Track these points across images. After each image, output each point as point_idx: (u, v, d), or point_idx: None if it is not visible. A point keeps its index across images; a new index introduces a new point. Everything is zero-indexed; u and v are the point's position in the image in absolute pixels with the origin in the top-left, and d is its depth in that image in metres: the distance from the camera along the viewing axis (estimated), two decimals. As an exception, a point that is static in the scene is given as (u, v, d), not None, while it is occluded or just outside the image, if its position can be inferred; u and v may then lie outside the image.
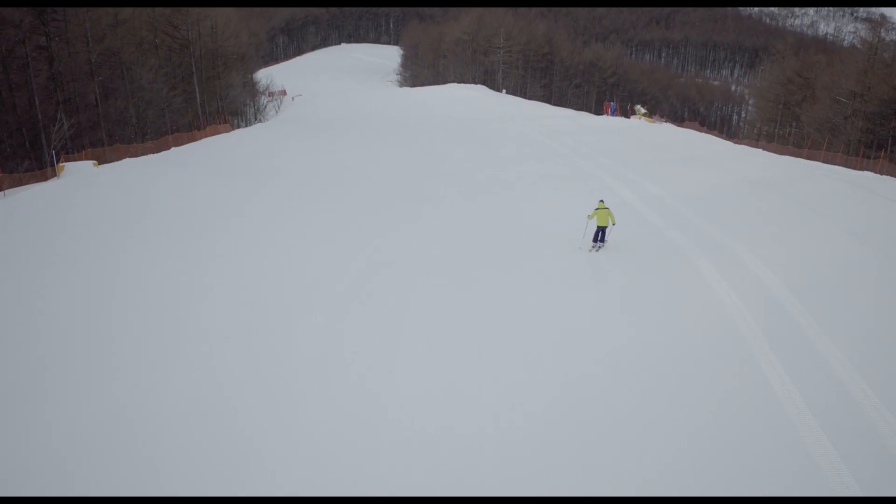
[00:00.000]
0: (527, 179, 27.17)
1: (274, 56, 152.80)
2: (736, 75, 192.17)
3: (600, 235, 18.08)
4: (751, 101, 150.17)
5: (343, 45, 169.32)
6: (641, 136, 40.80)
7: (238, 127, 55.95)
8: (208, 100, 51.38)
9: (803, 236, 19.07)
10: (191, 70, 48.84)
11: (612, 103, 53.91)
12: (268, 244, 18.61)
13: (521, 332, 13.23)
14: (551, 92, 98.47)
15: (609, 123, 49.07)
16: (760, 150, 36.90)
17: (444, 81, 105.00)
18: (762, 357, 11.84)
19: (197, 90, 49.14)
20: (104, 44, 37.62)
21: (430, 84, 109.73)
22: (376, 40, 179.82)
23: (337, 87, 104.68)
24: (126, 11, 42.07)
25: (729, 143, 40.09)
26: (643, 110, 54.19)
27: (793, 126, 50.42)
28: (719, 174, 27.86)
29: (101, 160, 31.15)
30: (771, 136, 53.91)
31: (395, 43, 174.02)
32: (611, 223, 17.94)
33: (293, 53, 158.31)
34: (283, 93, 79.76)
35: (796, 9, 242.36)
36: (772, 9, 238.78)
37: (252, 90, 72.23)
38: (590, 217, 18.13)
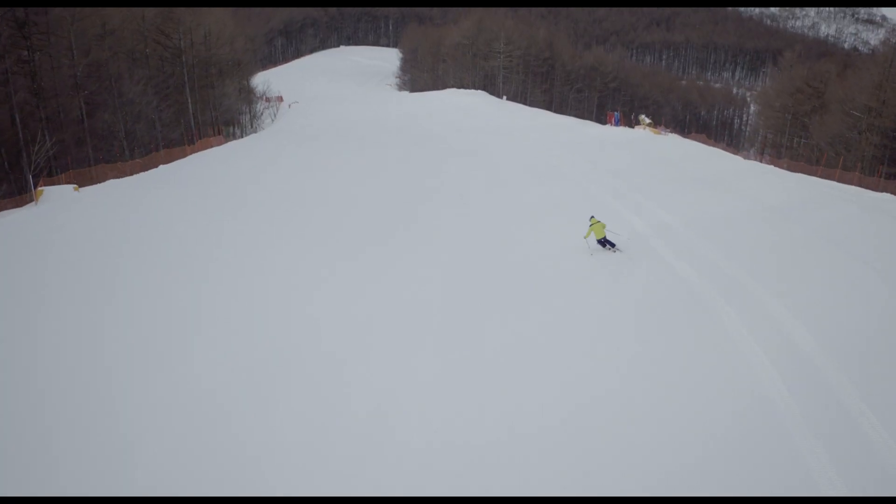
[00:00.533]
0: (530, 205, 25.72)
1: (272, 59, 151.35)
2: (737, 77, 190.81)
3: (609, 243, 19.24)
4: (753, 107, 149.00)
5: (342, 47, 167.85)
6: (648, 150, 39.33)
7: (232, 137, 54.52)
8: (201, 110, 49.92)
9: (828, 276, 17.63)
10: (183, 80, 47.36)
11: (615, 113, 52.38)
12: (242, 298, 16.79)
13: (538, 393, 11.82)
14: (552, 97, 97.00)
15: (613, 135, 47.62)
16: (772, 168, 35.49)
17: (444, 86, 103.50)
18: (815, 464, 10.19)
19: (189, 101, 47.68)
20: (90, 56, 36.16)
21: (429, 89, 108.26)
22: (375, 42, 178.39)
23: (335, 92, 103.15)
24: (115, 20, 40.62)
25: (738, 159, 38.65)
26: (648, 121, 52.67)
27: (801, 137, 48.98)
28: (733, 198, 26.41)
29: (85, 181, 29.72)
30: (778, 146, 52.52)
31: (395, 45, 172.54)
32: (608, 232, 19.38)
33: (292, 56, 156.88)
34: (280, 99, 78.28)
35: (797, 10, 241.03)
36: (773, 11, 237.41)
37: (248, 96, 70.80)
38: (586, 236, 19.37)
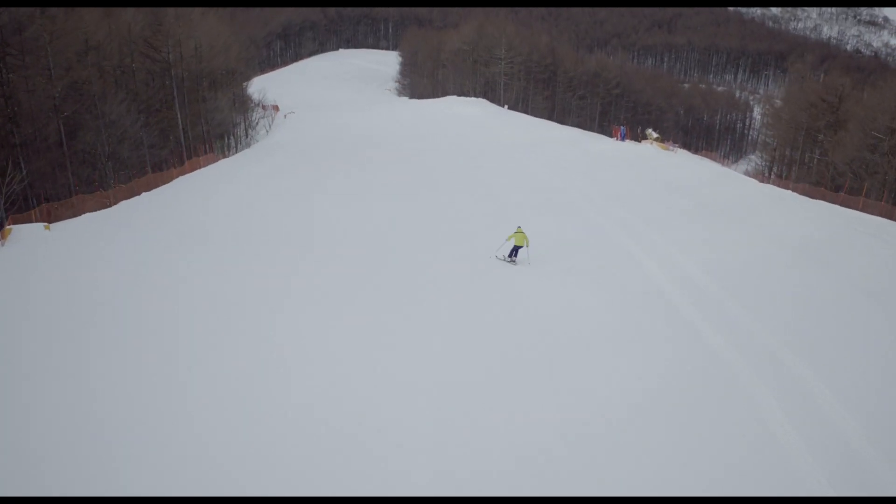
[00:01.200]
0: (534, 246, 23.64)
1: (271, 62, 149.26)
2: (739, 80, 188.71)
3: (515, 253, 21.19)
4: (757, 111, 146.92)
5: (341, 50, 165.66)
6: (658, 171, 37.32)
7: (224, 151, 52.52)
8: (192, 125, 47.86)
9: (873, 347, 15.70)
10: (172, 95, 45.31)
11: (622, 127, 50.32)
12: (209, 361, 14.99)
13: None
14: (554, 104, 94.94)
15: (621, 151, 45.64)
16: (790, 194, 33.48)
17: (444, 92, 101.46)
18: None
19: (179, 117, 45.64)
20: (70, 76, 34.17)
21: (429, 95, 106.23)
22: (375, 45, 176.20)
23: (333, 98, 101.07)
24: (99, 35, 38.62)
25: (754, 183, 36.65)
26: (655, 135, 50.65)
27: (815, 154, 46.98)
28: (754, 235, 24.46)
29: (62, 212, 27.78)
30: (790, 161, 50.52)
31: (394, 48, 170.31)
32: (526, 244, 21.04)
33: (290, 59, 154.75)
34: (276, 108, 76.24)
35: (799, 12, 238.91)
36: (774, 12, 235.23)
37: (243, 106, 68.77)
38: (508, 238, 21.33)
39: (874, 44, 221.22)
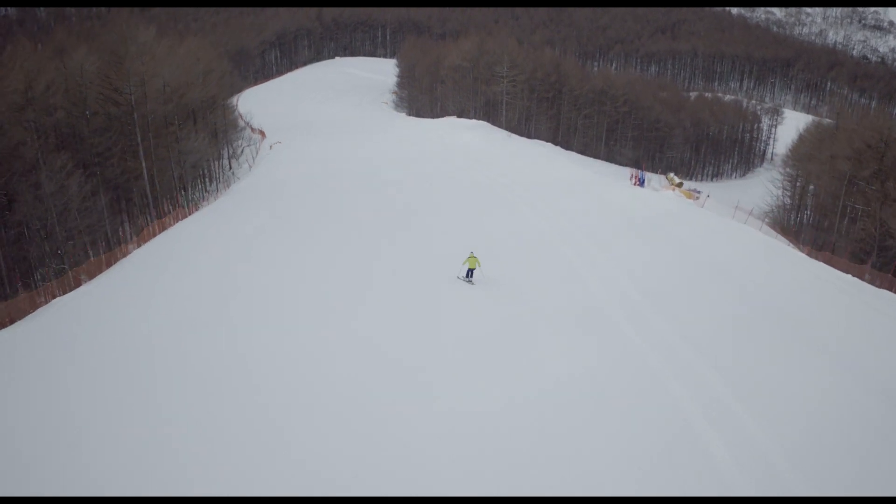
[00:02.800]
0: (551, 389, 18.00)
1: (265, 73, 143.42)
2: (745, 87, 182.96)
3: (470, 274, 24.63)
4: (766, 124, 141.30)
5: (337, 58, 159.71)
6: (689, 245, 31.43)
7: (196, 203, 46.82)
8: (161, 172, 42.18)
9: None
10: (136, 142, 39.66)
11: (641, 172, 44.57)
12: None
13: None
14: (559, 123, 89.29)
15: (642, 204, 39.91)
16: (852, 279, 27.78)
17: (443, 110, 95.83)
18: None
19: (144, 166, 39.99)
20: (4, 137, 28.60)
21: (427, 111, 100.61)
22: (372, 52, 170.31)
23: (327, 114, 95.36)
24: (41, 83, 32.98)
25: (802, 258, 30.91)
26: (678, 180, 44.98)
27: (857, 203, 41.36)
28: (848, 378, 18.73)
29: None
30: (829, 210, 44.91)
31: (392, 55, 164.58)
32: (478, 265, 24.57)
33: (285, 69, 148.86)
34: (262, 134, 70.53)
35: (803, 16, 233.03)
36: (779, 17, 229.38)
37: (226, 135, 63.09)
38: (463, 263, 24.79)
39: (880, 49, 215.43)
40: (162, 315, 21.92)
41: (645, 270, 27.14)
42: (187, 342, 19.71)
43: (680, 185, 44.76)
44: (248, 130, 79.44)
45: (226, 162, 63.60)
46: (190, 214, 41.20)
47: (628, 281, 25.44)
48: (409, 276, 25.94)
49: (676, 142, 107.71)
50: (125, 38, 37.91)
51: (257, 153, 61.09)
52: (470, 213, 37.29)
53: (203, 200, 47.94)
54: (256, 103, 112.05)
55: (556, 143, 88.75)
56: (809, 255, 32.82)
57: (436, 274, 25.86)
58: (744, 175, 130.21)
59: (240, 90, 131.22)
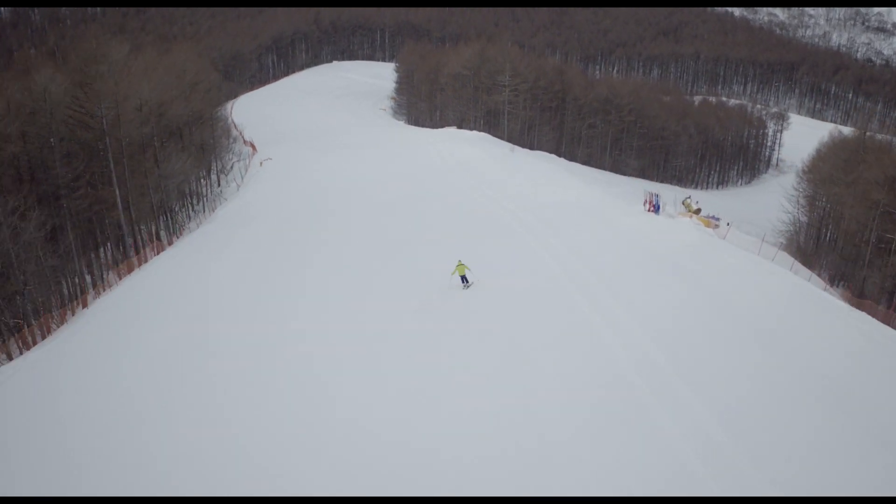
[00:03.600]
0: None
1: (261, 78, 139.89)
2: (749, 91, 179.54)
3: (465, 280, 26.77)
4: (772, 129, 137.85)
5: (335, 62, 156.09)
6: (725, 297, 27.71)
7: (178, 231, 43.49)
8: (137, 201, 38.73)
9: None
10: (109, 169, 36.24)
11: (655, 197, 41.23)
12: None
13: None
14: (562, 134, 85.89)
15: (661, 238, 36.40)
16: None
17: (442, 119, 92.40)
18: None
19: (118, 194, 36.57)
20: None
21: (426, 120, 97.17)
22: (370, 56, 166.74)
23: (323, 123, 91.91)
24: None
25: (844, 309, 27.48)
26: (695, 206, 41.60)
27: (892, 239, 37.94)
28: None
29: None
30: (856, 236, 41.51)
31: (390, 58, 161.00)
32: (468, 271, 26.78)
33: (282, 73, 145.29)
34: (253, 148, 67.11)
35: (807, 18, 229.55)
36: (781, 19, 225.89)
37: (213, 149, 59.68)
38: (452, 273, 26.68)
39: (885, 51, 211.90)
40: (116, 397, 18.57)
41: (673, 325, 23.77)
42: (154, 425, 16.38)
43: (697, 211, 41.33)
44: (241, 141, 76.11)
45: (215, 177, 60.25)
46: (170, 245, 37.89)
47: (655, 347, 22.04)
48: (403, 328, 22.68)
49: (682, 150, 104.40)
50: (95, 56, 34.44)
51: (246, 170, 57.64)
52: (469, 243, 33.95)
53: (186, 226, 44.60)
54: (251, 110, 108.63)
55: (559, 155, 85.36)
56: (851, 303, 29.38)
57: (433, 319, 22.56)
58: (749, 182, 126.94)
59: (235, 96, 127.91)
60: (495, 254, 31.66)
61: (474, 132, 73.80)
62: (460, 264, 26.70)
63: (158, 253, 35.51)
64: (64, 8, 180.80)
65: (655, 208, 41.16)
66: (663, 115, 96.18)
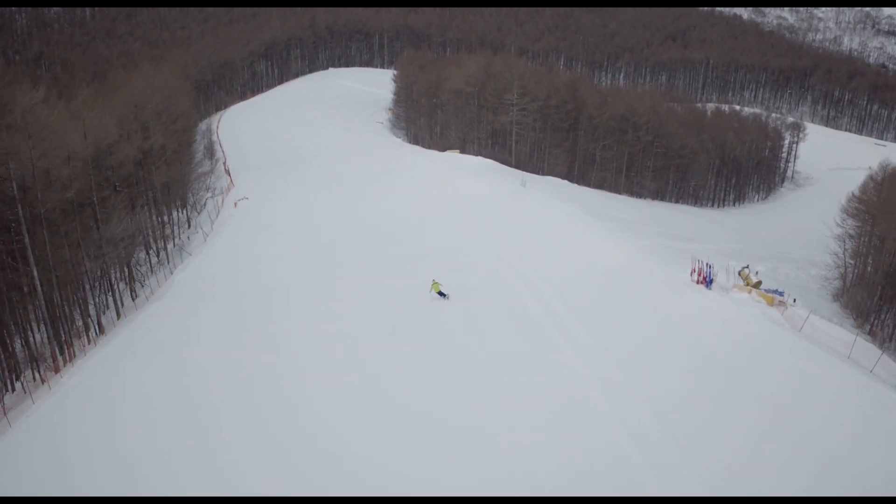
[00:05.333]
0: None
1: (254, 86, 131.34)
2: (760, 98, 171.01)
3: (442, 294, 29.17)
4: (789, 140, 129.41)
5: (331, 69, 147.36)
6: (822, 441, 19.90)
7: (135, 294, 35.41)
8: (64, 280, 30.47)
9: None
10: (23, 244, 27.98)
11: (708, 268, 33.00)
12: None
13: None
14: (574, 156, 77.58)
15: (717, 330, 28.43)
16: None
17: (443, 138, 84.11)
18: None
19: (36, 275, 28.31)
20: None
21: (425, 137, 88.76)
22: (369, 62, 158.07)
23: (312, 143, 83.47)
24: None
25: None
26: (754, 279, 33.49)
27: None
28: None
29: None
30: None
31: (389, 64, 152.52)
32: (441, 286, 29.28)
33: (276, 81, 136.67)
34: (230, 180, 58.80)
35: (816, 21, 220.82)
36: (791, 22, 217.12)
37: (182, 189, 51.43)
38: (430, 290, 29.15)
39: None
40: None
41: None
42: None
43: (757, 284, 33.15)
44: (222, 165, 67.85)
45: (186, 215, 52.06)
46: (102, 334, 29.71)
47: None
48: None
49: (699, 168, 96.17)
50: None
51: (219, 210, 49.26)
52: (477, 335, 26.04)
53: (145, 291, 36.36)
54: (239, 124, 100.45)
55: (572, 178, 77.19)
56: None
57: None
58: (766, 198, 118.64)
59: (225, 106, 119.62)
60: (512, 357, 23.83)
61: (479, 159, 65.48)
62: (435, 283, 29.28)
63: (91, 347, 27.36)
64: (53, 10, 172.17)
65: (707, 282, 33.05)
66: (681, 133, 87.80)
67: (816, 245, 74.35)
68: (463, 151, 73.33)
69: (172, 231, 49.10)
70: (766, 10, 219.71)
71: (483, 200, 50.44)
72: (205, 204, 53.68)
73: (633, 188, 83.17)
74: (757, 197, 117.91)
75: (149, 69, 56.75)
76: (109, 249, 33.33)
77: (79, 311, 33.02)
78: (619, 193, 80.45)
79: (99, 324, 33.72)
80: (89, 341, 30.42)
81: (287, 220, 45.44)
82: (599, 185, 79.27)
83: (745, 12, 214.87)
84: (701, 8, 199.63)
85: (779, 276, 51.57)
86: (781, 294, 33.44)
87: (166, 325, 29.74)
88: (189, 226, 51.11)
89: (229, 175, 60.16)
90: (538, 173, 75.59)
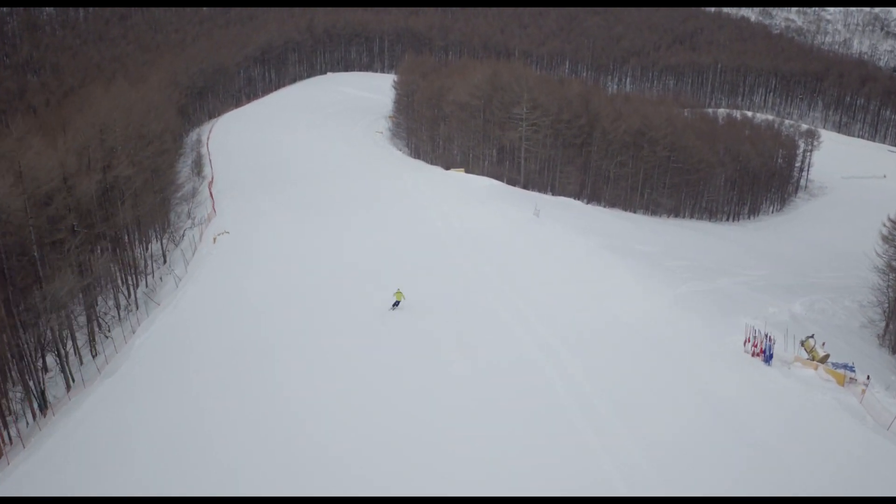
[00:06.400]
0: None
1: (249, 91, 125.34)
2: (769, 103, 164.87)
3: (396, 304, 30.98)
4: (803, 149, 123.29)
5: (329, 74, 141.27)
6: None
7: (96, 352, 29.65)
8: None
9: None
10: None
11: (766, 339, 27.26)
12: None
13: None
14: (587, 174, 71.72)
15: (783, 426, 22.74)
16: None
17: (447, 150, 78.24)
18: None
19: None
20: None
21: (427, 152, 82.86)
22: (369, 66, 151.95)
23: (307, 156, 77.59)
24: None
25: None
26: (821, 352, 27.73)
27: None
28: None
29: None
30: None
31: (389, 68, 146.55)
32: (403, 298, 30.96)
33: (272, 87, 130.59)
34: (213, 205, 52.91)
35: (824, 23, 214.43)
36: (799, 24, 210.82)
37: (152, 221, 45.63)
38: (394, 295, 30.96)
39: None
40: None
41: None
42: None
43: (824, 359, 27.42)
44: (210, 183, 61.99)
45: (160, 248, 46.28)
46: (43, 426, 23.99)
47: None
48: None
49: (717, 182, 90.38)
50: None
51: (195, 249, 43.33)
52: (482, 433, 20.38)
53: (98, 358, 30.50)
54: (232, 134, 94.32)
55: (584, 197, 71.43)
56: None
57: None
58: (781, 209, 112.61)
59: (219, 114, 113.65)
60: (531, 470, 18.29)
61: (486, 180, 59.65)
62: (399, 292, 31.12)
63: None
64: (45, 12, 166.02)
65: (766, 357, 27.31)
66: (700, 147, 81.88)
67: (843, 264, 68.79)
68: (468, 169, 67.51)
69: (146, 267, 43.34)
70: (774, 12, 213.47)
71: (492, 235, 44.60)
72: (183, 235, 47.91)
73: (648, 205, 77.52)
74: (771, 209, 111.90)
75: (123, 86, 50.80)
76: (54, 313, 27.51)
77: (18, 384, 27.39)
78: (635, 212, 74.93)
79: (43, 399, 28.09)
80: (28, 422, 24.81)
81: (270, 261, 39.60)
82: (613, 203, 73.60)
83: (752, 14, 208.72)
84: (708, 10, 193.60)
85: (816, 313, 45.94)
86: (853, 370, 27.61)
87: (112, 419, 24.07)
88: (165, 260, 45.33)
89: (213, 200, 54.26)
90: (549, 191, 69.82)
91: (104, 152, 38.90)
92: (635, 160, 72.09)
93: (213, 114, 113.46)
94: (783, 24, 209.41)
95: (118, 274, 37.97)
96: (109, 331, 36.53)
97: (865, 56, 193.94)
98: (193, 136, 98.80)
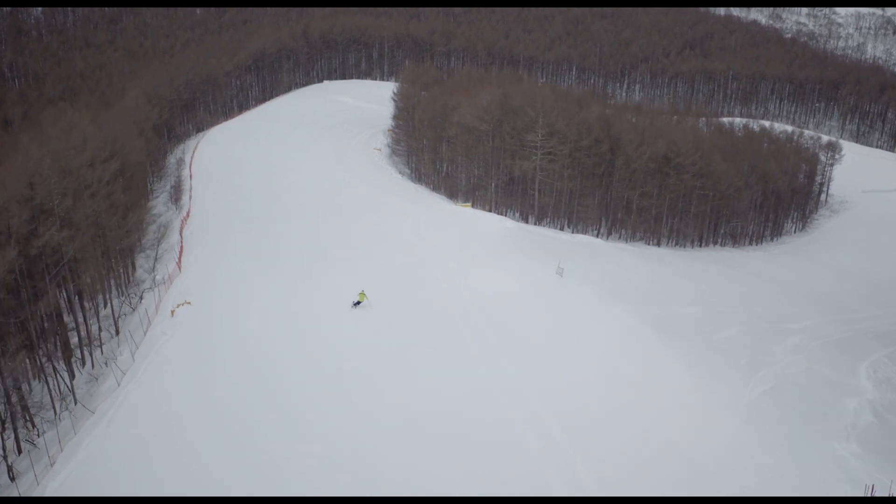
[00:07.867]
0: None
1: (241, 101, 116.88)
2: (784, 111, 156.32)
3: (357, 304, 34.00)
4: (825, 163, 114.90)
5: (326, 83, 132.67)
6: None
7: None
8: None
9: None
10: None
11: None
12: None
13: None
14: (608, 205, 63.51)
15: None
16: None
17: (451, 177, 69.95)
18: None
19: None
20: None
21: (429, 175, 74.61)
22: (367, 73, 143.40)
23: (293, 181, 69.25)
24: None
25: None
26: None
27: None
28: None
29: None
30: None
31: (389, 75, 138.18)
32: (366, 298, 34.03)
33: (265, 96, 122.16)
34: (179, 256, 44.59)
35: (836, 26, 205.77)
36: (811, 28, 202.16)
37: (102, 283, 37.38)
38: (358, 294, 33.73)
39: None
40: None
41: None
42: None
43: None
44: (180, 224, 53.74)
45: (112, 313, 38.07)
46: None
47: None
48: None
49: (743, 207, 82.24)
50: None
51: (147, 327, 34.98)
52: None
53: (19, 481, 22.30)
54: (218, 152, 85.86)
55: (604, 231, 63.30)
56: None
57: None
58: (803, 228, 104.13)
59: (207, 127, 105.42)
60: None
61: (497, 220, 51.49)
62: (362, 293, 34.36)
63: None
64: (33, 16, 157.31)
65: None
66: (728, 171, 73.63)
67: (884, 299, 62.12)
68: (475, 200, 59.27)
69: (90, 343, 35.13)
70: (785, 15, 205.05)
71: (507, 305, 36.32)
72: (141, 298, 39.71)
73: (671, 234, 69.52)
74: (794, 228, 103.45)
75: (83, 113, 42.46)
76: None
77: None
78: (659, 244, 66.94)
79: None
80: None
81: (237, 345, 31.40)
82: (633, 234, 65.56)
83: (762, 17, 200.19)
84: (718, 13, 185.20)
85: (884, 385, 38.11)
86: None
87: None
88: (118, 330, 37.13)
89: (181, 247, 46.00)
90: (566, 226, 61.68)
91: (31, 211, 30.71)
92: (661, 189, 63.84)
93: (202, 126, 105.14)
94: (794, 27, 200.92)
95: (49, 363, 29.79)
96: (39, 435, 28.60)
97: (881, 61, 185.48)
98: (178, 152, 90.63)
